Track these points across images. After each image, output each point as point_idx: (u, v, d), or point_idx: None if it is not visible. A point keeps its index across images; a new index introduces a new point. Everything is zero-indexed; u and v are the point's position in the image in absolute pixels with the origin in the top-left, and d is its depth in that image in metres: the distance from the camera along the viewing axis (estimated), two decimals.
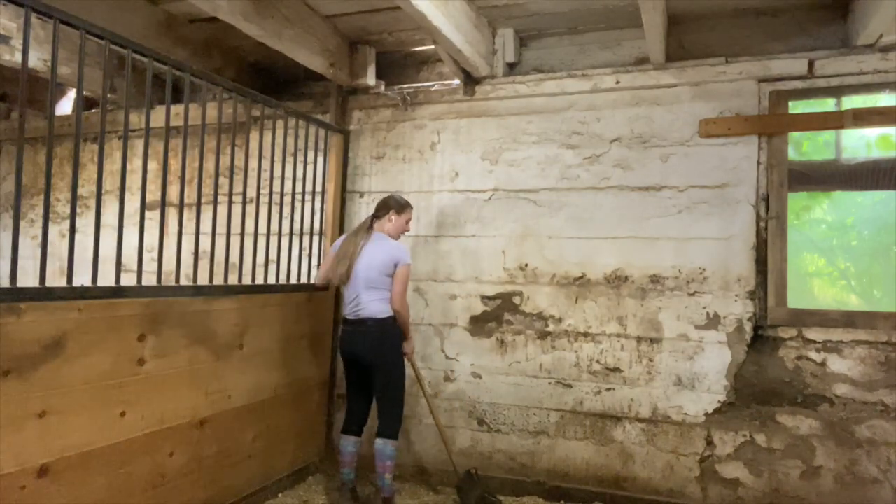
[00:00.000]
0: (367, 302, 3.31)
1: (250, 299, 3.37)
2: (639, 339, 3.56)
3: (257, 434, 3.44)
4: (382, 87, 4.16)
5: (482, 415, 3.85)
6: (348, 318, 3.39)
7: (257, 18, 3.21)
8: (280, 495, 3.61)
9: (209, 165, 3.77)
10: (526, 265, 3.81)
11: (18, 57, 3.42)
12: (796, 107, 3.45)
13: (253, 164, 3.49)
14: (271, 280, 3.69)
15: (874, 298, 4.18)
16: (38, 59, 3.69)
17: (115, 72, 3.98)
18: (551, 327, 3.74)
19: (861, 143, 3.52)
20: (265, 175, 3.58)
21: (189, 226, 3.86)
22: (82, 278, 2.54)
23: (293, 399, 3.74)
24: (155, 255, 3.09)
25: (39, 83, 4.42)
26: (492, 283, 3.88)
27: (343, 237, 3.54)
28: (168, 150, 2.89)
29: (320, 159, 4.06)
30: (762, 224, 3.39)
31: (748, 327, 3.37)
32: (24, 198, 4.80)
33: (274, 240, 3.63)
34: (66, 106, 5.16)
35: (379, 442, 3.30)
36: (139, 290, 2.71)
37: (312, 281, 3.85)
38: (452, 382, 3.93)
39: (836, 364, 3.23)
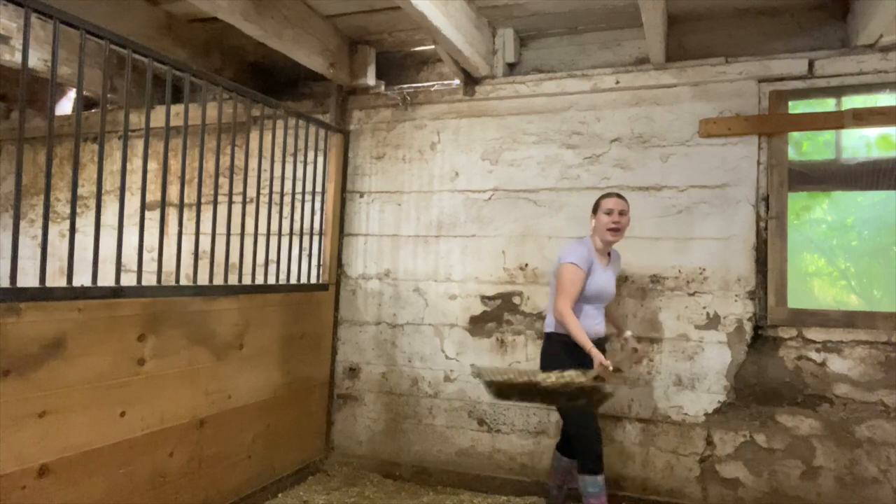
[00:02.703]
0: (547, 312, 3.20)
1: (250, 299, 3.37)
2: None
3: (257, 434, 3.44)
4: (382, 87, 4.16)
5: (482, 415, 3.85)
6: None
7: (257, 18, 3.21)
8: (280, 495, 3.61)
9: (209, 165, 3.77)
10: (526, 265, 3.81)
11: (18, 57, 3.42)
12: (796, 107, 3.45)
13: (253, 164, 3.49)
14: (271, 280, 3.69)
15: (874, 298, 4.19)
16: (38, 59, 3.69)
17: (115, 72, 3.98)
18: None
19: (861, 143, 3.53)
20: (265, 175, 3.58)
21: (189, 226, 3.87)
22: (82, 278, 2.54)
23: (293, 399, 3.74)
24: (155, 255, 3.09)
25: (39, 83, 4.42)
26: (492, 283, 3.88)
27: None
28: (168, 150, 2.89)
29: (320, 159, 4.06)
30: (762, 224, 3.39)
31: (748, 327, 3.37)
32: (24, 198, 4.80)
33: (274, 240, 3.63)
34: (66, 106, 5.16)
35: (565, 460, 3.18)
36: (139, 290, 2.71)
37: None
38: (452, 382, 3.93)
39: (836, 364, 3.23)
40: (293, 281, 3.83)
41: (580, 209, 3.71)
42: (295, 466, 3.80)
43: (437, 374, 3.97)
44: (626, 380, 3.18)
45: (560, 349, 3.00)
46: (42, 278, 2.35)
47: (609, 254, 3.16)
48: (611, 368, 2.78)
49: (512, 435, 3.79)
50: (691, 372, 3.45)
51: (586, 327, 2.97)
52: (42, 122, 4.86)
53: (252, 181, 3.51)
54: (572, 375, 2.72)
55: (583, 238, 3.14)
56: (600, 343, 3.07)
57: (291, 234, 3.82)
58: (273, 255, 3.70)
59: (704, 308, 3.45)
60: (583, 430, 2.95)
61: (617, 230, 3.01)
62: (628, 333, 3.24)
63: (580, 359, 2.86)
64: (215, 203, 3.19)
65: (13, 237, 2.22)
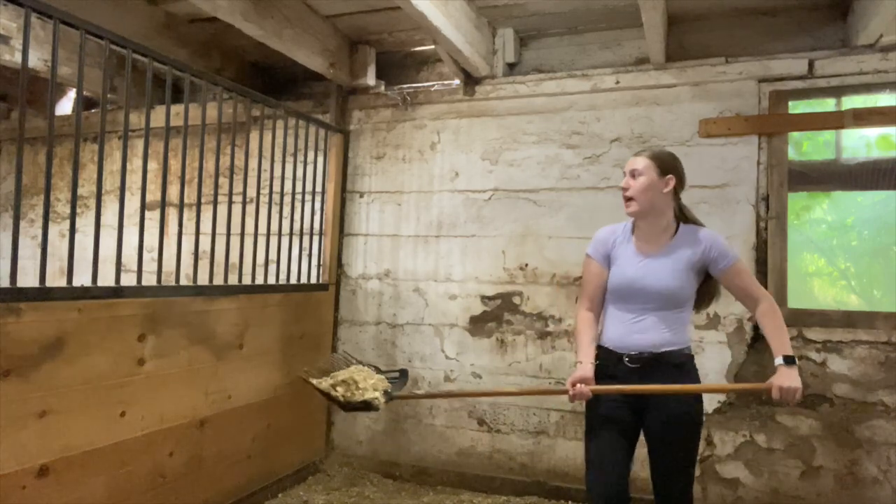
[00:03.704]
0: None
1: (250, 299, 3.37)
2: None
3: (257, 434, 3.44)
4: (382, 87, 4.16)
5: (482, 415, 3.85)
6: None
7: (257, 18, 3.21)
8: (280, 495, 3.61)
9: (209, 165, 3.77)
10: (526, 265, 3.81)
11: (18, 57, 3.41)
12: (796, 107, 3.45)
13: (253, 164, 3.49)
14: (271, 280, 3.69)
15: (874, 298, 4.18)
16: (38, 59, 3.69)
17: (115, 72, 3.98)
18: (551, 327, 3.74)
19: (861, 143, 3.52)
20: (265, 175, 3.58)
21: (189, 226, 3.86)
22: (82, 278, 2.54)
23: (293, 399, 3.74)
24: (155, 255, 3.09)
25: (39, 83, 4.41)
26: (492, 283, 3.88)
27: None
28: (168, 150, 2.90)
29: (320, 159, 4.06)
30: (762, 224, 3.39)
31: (748, 327, 3.36)
32: (24, 198, 4.79)
33: (274, 240, 3.63)
34: (66, 106, 5.16)
35: None
36: (139, 290, 2.71)
37: None
38: (452, 382, 3.93)
39: (836, 364, 3.23)
40: (293, 281, 3.83)
41: (580, 209, 3.71)
42: (295, 466, 3.80)
43: (437, 374, 3.97)
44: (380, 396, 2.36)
45: (597, 364, 2.31)
46: (42, 278, 2.35)
47: (676, 232, 2.30)
48: (573, 392, 2.17)
49: (512, 435, 3.79)
50: None
51: (612, 337, 2.29)
52: (42, 122, 4.86)
53: (252, 181, 3.51)
54: (341, 375, 2.39)
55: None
56: (653, 361, 2.21)
57: (291, 234, 3.81)
58: (273, 255, 3.70)
59: None
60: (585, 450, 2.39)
61: (627, 199, 2.27)
62: (778, 360, 2.12)
63: (613, 374, 2.25)
64: (215, 203, 3.19)
65: (13, 237, 2.22)
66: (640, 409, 2.26)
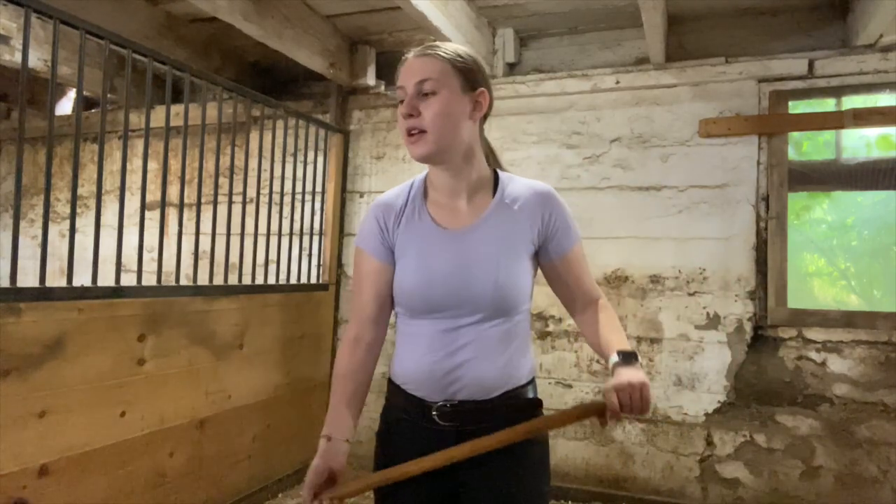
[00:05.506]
0: None
1: (250, 299, 3.37)
2: (639, 339, 3.56)
3: (257, 434, 3.44)
4: (382, 87, 4.16)
5: None
6: None
7: (257, 18, 3.21)
8: (280, 495, 3.61)
9: (209, 165, 3.77)
10: None
11: (18, 57, 3.42)
12: (796, 107, 3.45)
13: (253, 164, 3.49)
14: (271, 280, 3.69)
15: (874, 298, 4.18)
16: (38, 59, 3.69)
17: (115, 72, 3.98)
18: (551, 327, 3.74)
19: (861, 143, 3.53)
20: (265, 175, 3.58)
21: (189, 226, 3.86)
22: (82, 278, 2.54)
23: (293, 399, 3.74)
24: (155, 255, 3.09)
25: (39, 83, 4.41)
26: None
27: None
28: (168, 150, 2.90)
29: (320, 159, 4.06)
30: (762, 224, 3.39)
31: (748, 327, 3.37)
32: (24, 198, 4.79)
33: (274, 240, 3.64)
34: (66, 106, 5.16)
35: None
36: (139, 290, 2.71)
37: None
38: None
39: (836, 364, 3.23)
40: (293, 281, 3.83)
41: (580, 209, 3.70)
42: (295, 466, 3.80)
43: None
44: None
45: (384, 415, 1.53)
46: (42, 278, 2.35)
47: (496, 187, 1.41)
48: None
49: None
50: (691, 372, 3.45)
51: (412, 373, 1.41)
52: (42, 122, 4.86)
53: (252, 181, 3.51)
54: None
55: None
56: (479, 414, 1.33)
57: (291, 234, 3.81)
58: (273, 255, 3.70)
59: (704, 308, 3.45)
60: None
61: (418, 133, 1.30)
62: (614, 357, 1.28)
63: (414, 437, 1.39)
64: (215, 203, 3.19)
65: (13, 237, 2.22)
66: (455, 492, 1.36)
